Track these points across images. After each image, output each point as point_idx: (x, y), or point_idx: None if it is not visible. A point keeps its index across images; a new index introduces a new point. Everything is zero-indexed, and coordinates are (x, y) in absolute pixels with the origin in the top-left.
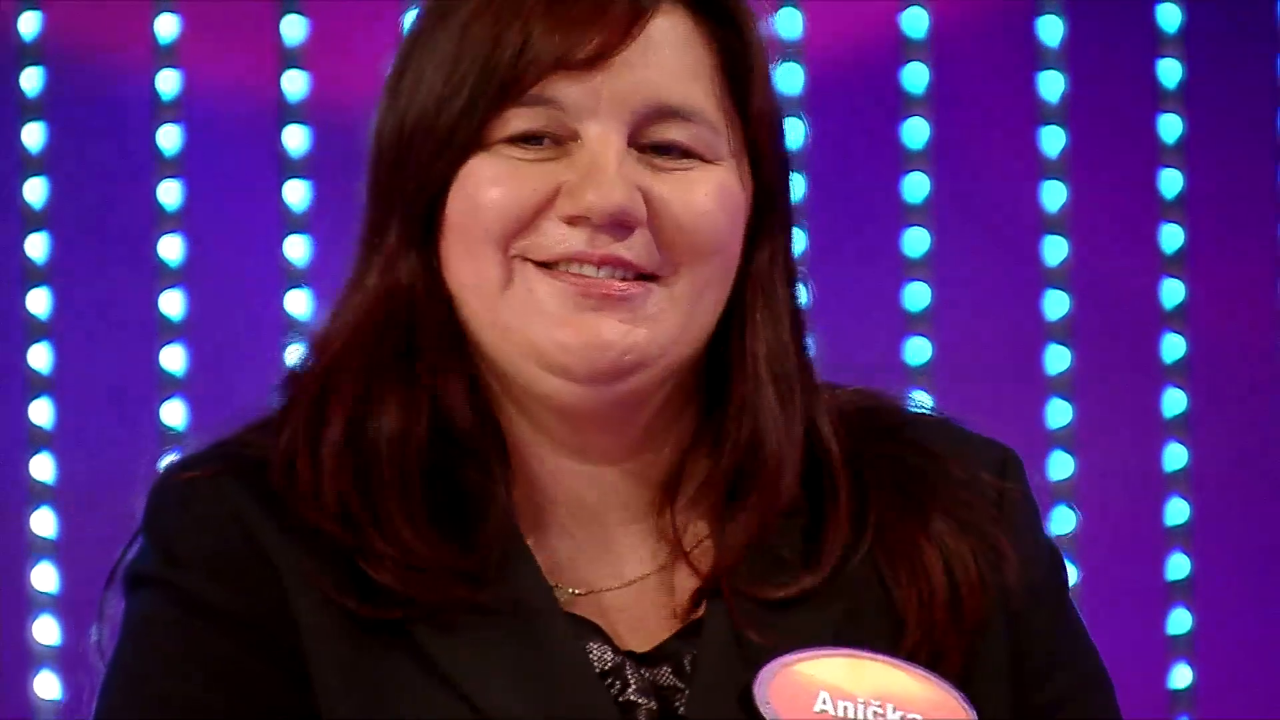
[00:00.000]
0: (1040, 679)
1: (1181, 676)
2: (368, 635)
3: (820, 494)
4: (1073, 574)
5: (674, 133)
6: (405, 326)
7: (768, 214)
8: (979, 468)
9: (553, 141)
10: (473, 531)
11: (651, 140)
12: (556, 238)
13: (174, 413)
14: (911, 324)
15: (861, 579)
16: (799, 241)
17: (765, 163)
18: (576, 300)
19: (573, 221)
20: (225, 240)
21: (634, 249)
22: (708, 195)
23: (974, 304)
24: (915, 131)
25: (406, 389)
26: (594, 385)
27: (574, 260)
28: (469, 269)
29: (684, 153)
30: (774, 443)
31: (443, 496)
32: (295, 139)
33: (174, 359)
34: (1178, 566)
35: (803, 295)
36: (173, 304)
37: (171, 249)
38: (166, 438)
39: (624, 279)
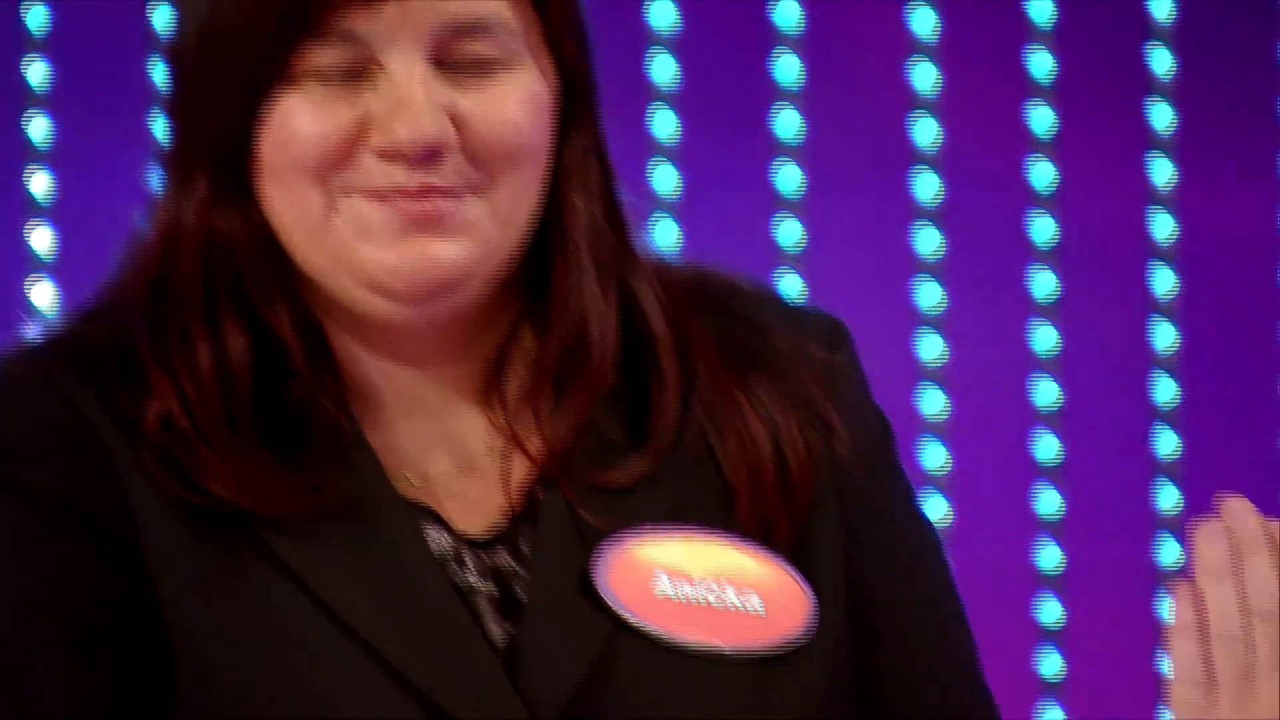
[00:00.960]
0: (872, 549)
1: (1051, 664)
2: (208, 526)
3: (646, 373)
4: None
5: (475, 46)
6: (226, 264)
7: (576, 102)
8: (806, 340)
9: (357, 73)
10: (305, 445)
11: (454, 58)
12: (375, 173)
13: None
14: None
15: (692, 456)
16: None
17: (567, 51)
18: (401, 225)
19: (386, 155)
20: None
21: (449, 176)
22: (516, 104)
23: (847, 295)
24: (787, 123)
25: (231, 315)
26: (423, 305)
27: (394, 194)
28: (290, 207)
29: (487, 62)
30: (597, 328)
31: (274, 415)
32: None
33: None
34: (1049, 556)
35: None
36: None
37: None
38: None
39: (447, 198)
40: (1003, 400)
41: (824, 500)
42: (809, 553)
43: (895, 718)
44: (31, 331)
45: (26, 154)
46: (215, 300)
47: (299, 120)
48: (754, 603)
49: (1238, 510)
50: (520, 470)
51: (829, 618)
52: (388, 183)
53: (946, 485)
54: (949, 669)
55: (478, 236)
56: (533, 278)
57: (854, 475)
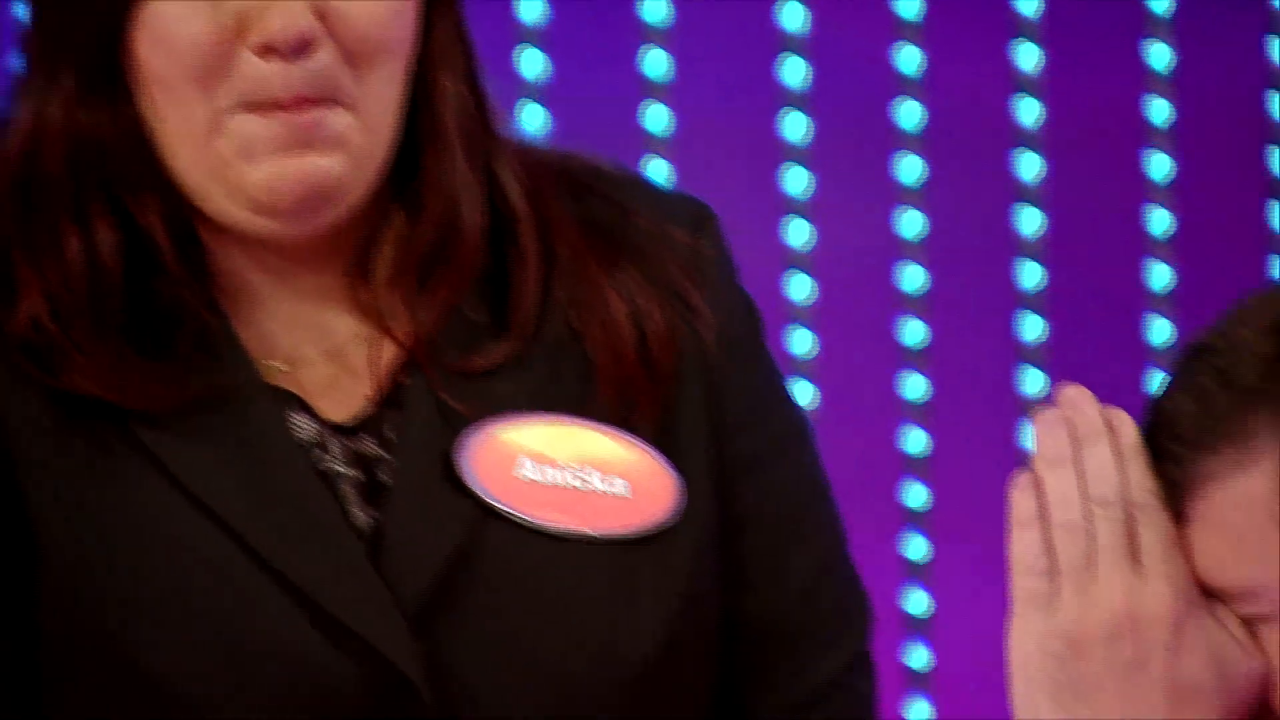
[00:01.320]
0: (738, 433)
1: (916, 547)
2: (77, 422)
3: (508, 255)
4: None
5: None
6: (95, 161)
7: None
8: (671, 224)
9: None
10: (173, 339)
11: None
12: (253, 78)
13: None
14: None
15: (555, 339)
16: None
17: None
18: (282, 140)
19: (263, 52)
20: None
21: (320, 80)
22: None
23: (714, 181)
24: (656, 118)
25: (101, 211)
26: (304, 221)
27: (274, 106)
28: (173, 116)
29: None
30: (468, 208)
31: (143, 310)
32: None
33: None
34: (915, 440)
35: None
36: None
37: None
38: None
39: (319, 108)
40: (869, 285)
41: (688, 384)
42: (674, 436)
43: (762, 601)
44: None
45: None
46: (84, 196)
47: (175, 22)
48: (619, 487)
49: (1077, 399)
50: (387, 356)
51: (695, 501)
52: (266, 93)
53: (813, 370)
54: (815, 553)
55: (351, 150)
56: (402, 163)
57: (719, 359)
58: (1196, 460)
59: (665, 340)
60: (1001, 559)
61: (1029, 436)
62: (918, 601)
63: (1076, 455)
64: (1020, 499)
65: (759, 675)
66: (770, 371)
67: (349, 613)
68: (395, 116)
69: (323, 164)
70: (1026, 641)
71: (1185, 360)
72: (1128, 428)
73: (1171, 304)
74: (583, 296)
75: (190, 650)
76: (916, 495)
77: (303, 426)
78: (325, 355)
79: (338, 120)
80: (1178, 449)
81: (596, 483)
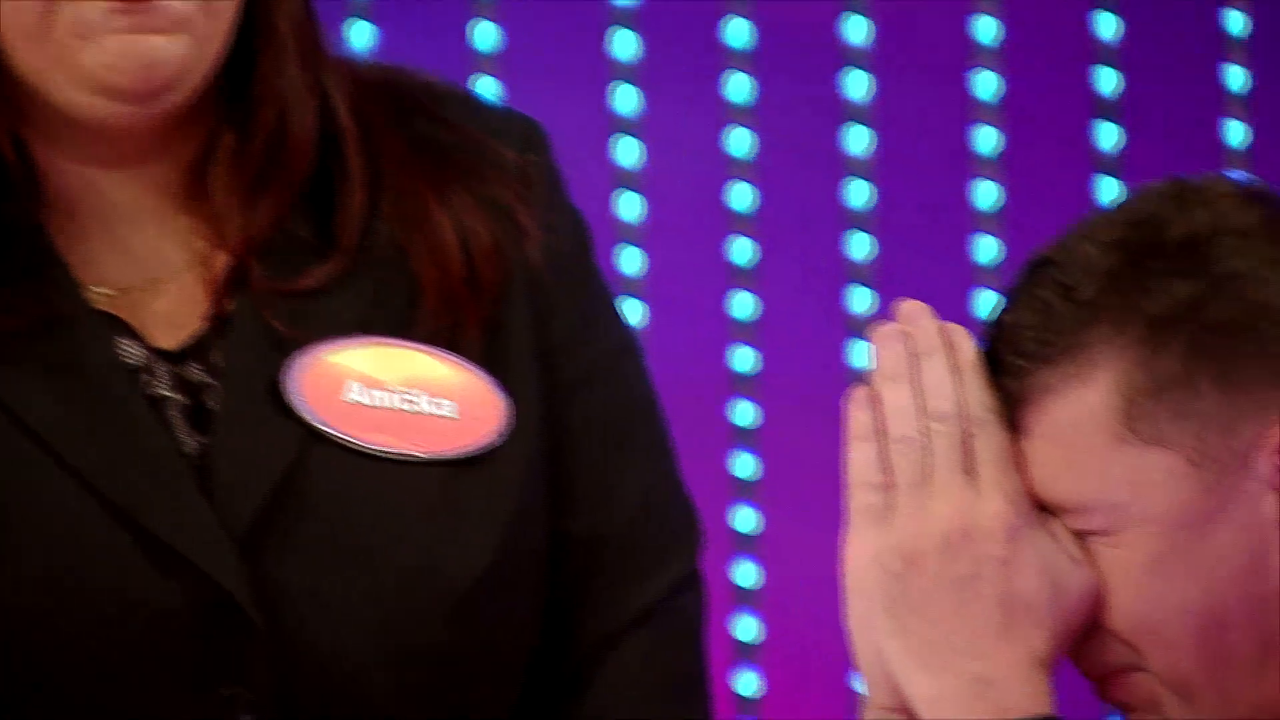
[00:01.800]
0: (567, 352)
1: (744, 466)
2: None
3: (333, 173)
4: None
5: None
6: None
7: None
8: (500, 141)
9: None
10: (2, 264)
11: None
12: None
13: None
14: None
15: (381, 259)
16: None
17: None
18: (122, 23)
19: None
20: None
21: None
22: None
23: (545, 99)
24: (485, 36)
25: None
26: (145, 103)
27: None
28: (4, 8)
29: None
30: (298, 117)
31: None
32: None
33: None
34: (743, 359)
35: None
36: None
37: None
38: None
39: None
40: (699, 204)
41: (516, 303)
42: (502, 356)
43: (591, 521)
44: None
45: None
46: None
47: None
48: (447, 408)
49: (914, 314)
50: (217, 279)
51: (523, 421)
52: None
53: (643, 289)
54: (645, 472)
55: (194, 32)
56: (233, 80)
57: (547, 278)
58: (1035, 373)
59: (492, 259)
60: (832, 477)
61: (858, 354)
62: (746, 520)
63: (914, 370)
64: (857, 414)
65: (588, 595)
66: (599, 290)
67: (175, 536)
68: (235, 6)
69: (165, 45)
70: (861, 556)
71: (1027, 273)
72: (965, 342)
73: (999, 222)
74: (409, 215)
75: (16, 576)
76: (745, 414)
77: (130, 352)
78: (153, 280)
79: (179, 4)
80: (1017, 362)
81: (424, 405)
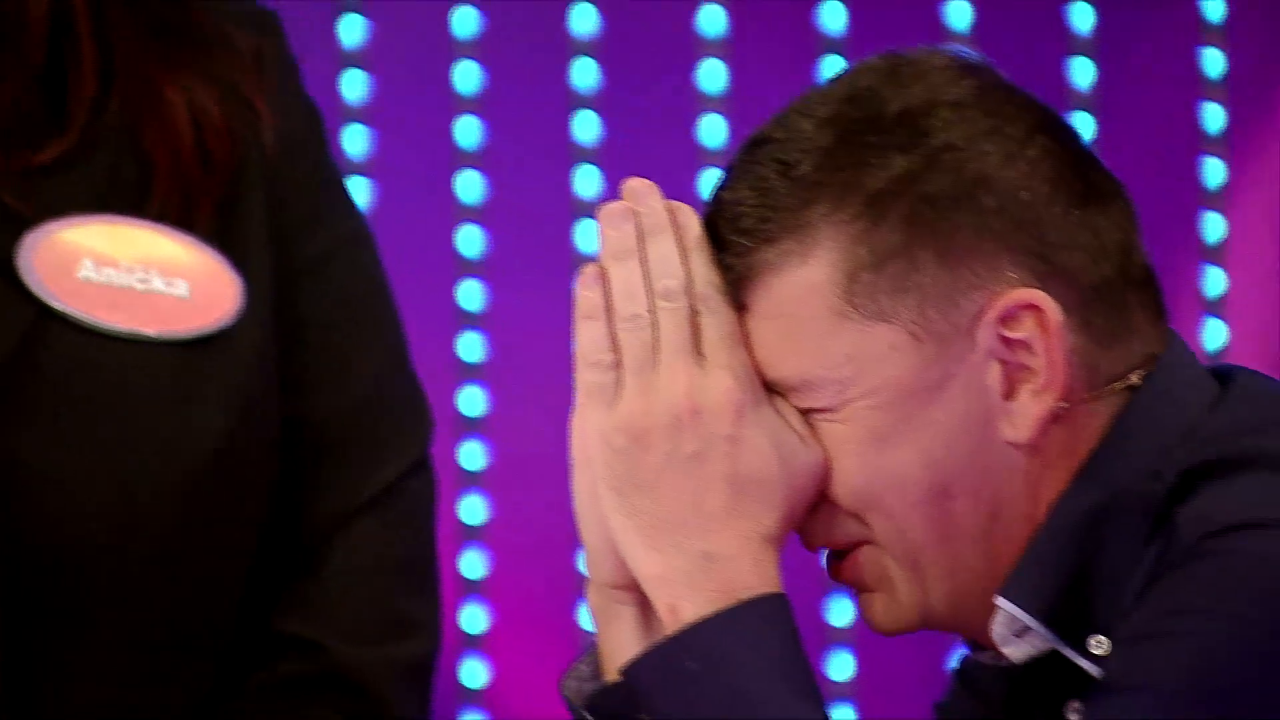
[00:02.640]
0: (299, 235)
1: (470, 348)
2: None
3: (65, 51)
4: None
5: None
6: None
7: None
8: (234, 25)
9: None
10: None
11: None
12: None
13: None
14: None
15: (116, 138)
16: None
17: None
18: None
19: None
20: None
21: None
22: None
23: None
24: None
25: None
26: None
27: None
28: None
29: None
30: (31, 2)
31: None
32: None
33: None
34: (470, 241)
35: None
36: None
37: None
38: None
39: None
40: (425, 85)
41: (249, 185)
42: (235, 238)
43: (323, 404)
44: None
45: None
46: None
47: None
48: (180, 288)
49: (641, 192)
50: None
51: (256, 303)
52: None
53: (371, 169)
54: (376, 356)
55: None
56: None
57: (280, 162)
58: (757, 251)
59: (224, 139)
60: (560, 357)
61: (584, 236)
62: (473, 402)
63: (641, 248)
64: (584, 292)
65: (319, 478)
66: (332, 175)
67: None
68: None
69: None
70: (589, 435)
71: (746, 151)
72: (691, 220)
73: (726, 104)
74: (142, 94)
75: None
76: (472, 296)
77: None
78: None
79: None
80: (738, 240)
81: (158, 284)
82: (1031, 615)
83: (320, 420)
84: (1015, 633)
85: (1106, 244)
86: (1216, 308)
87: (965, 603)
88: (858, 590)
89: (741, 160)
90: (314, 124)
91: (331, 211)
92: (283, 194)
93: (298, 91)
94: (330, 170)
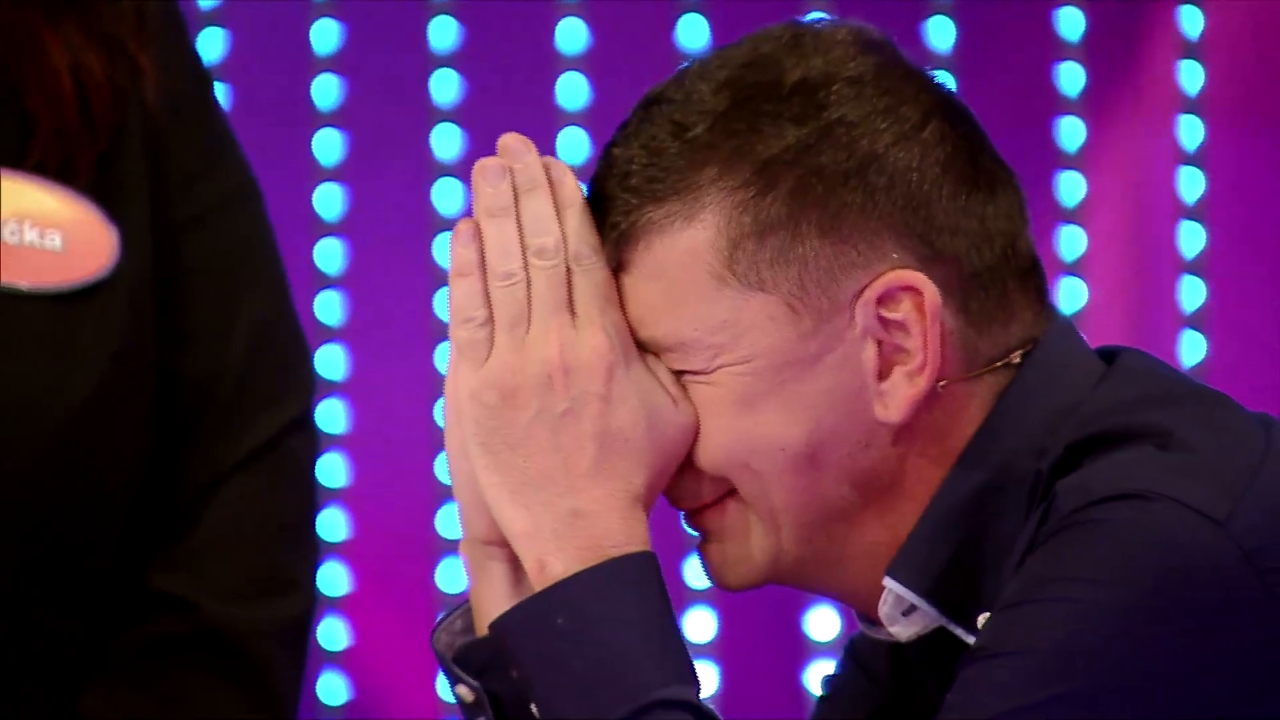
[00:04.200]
0: (182, 191)
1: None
2: None
3: None
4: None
5: None
6: None
7: None
8: None
9: None
10: None
11: None
12: None
13: None
14: None
15: None
16: None
17: None
18: None
19: None
20: None
21: None
22: None
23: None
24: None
25: None
26: None
27: None
28: None
29: None
30: None
31: None
32: None
33: None
34: (330, 203)
35: None
36: None
37: None
38: None
39: None
40: (284, 46)
41: (131, 139)
42: (115, 192)
43: (204, 359)
44: None
45: None
46: None
47: None
48: (54, 241)
49: (516, 148)
50: None
51: (133, 257)
52: None
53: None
54: (258, 311)
55: None
56: None
57: (163, 117)
58: (642, 210)
59: (106, 94)
60: (421, 322)
61: (442, 198)
62: (332, 363)
63: (516, 206)
64: (459, 249)
65: (197, 434)
66: (217, 130)
67: None
68: None
69: None
70: (461, 391)
71: (641, 109)
72: (567, 179)
73: (587, 64)
74: (22, 48)
75: None
76: (331, 257)
77: None
78: None
79: None
80: (626, 197)
81: (30, 236)
82: (918, 594)
83: (199, 374)
84: (903, 612)
85: (992, 231)
86: (1075, 268)
87: (832, 572)
88: (708, 539)
89: (636, 118)
90: (199, 79)
91: (215, 167)
92: (166, 150)
93: (183, 47)
94: (216, 125)
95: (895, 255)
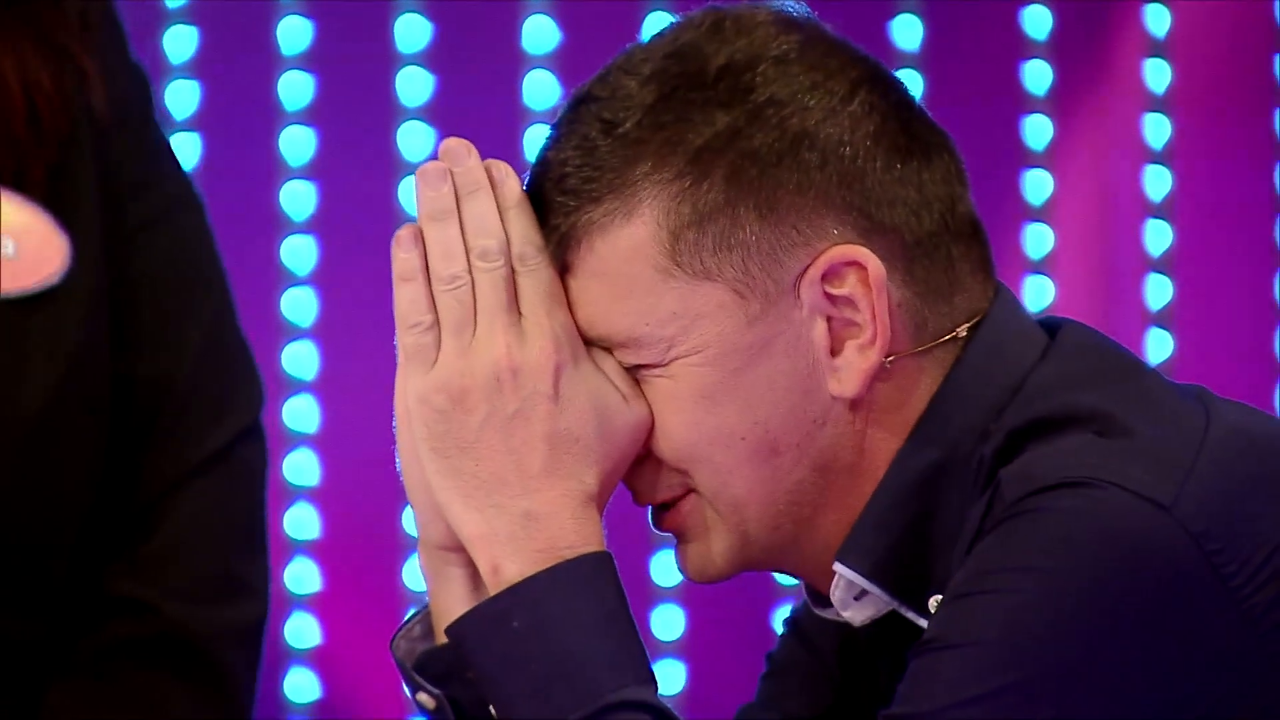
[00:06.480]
0: (130, 197)
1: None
2: None
3: None
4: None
5: None
6: None
7: None
8: None
9: None
10: None
11: None
12: None
13: None
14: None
15: None
16: None
17: None
18: None
19: None
20: None
21: None
22: None
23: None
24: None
25: None
26: None
27: None
28: None
29: None
30: None
31: None
32: None
33: None
34: (301, 203)
35: None
36: None
37: None
38: None
39: None
40: (251, 42)
41: (80, 148)
42: (66, 198)
43: (154, 365)
44: None
45: None
46: None
47: None
48: (7, 247)
49: (457, 151)
50: None
51: (85, 264)
52: None
53: (197, 125)
54: (206, 316)
55: None
56: None
57: (110, 125)
58: (582, 210)
59: (55, 104)
60: (389, 318)
61: (409, 194)
62: (301, 361)
63: (459, 209)
64: (401, 254)
65: (152, 440)
66: (160, 138)
67: None
68: None
69: None
70: (410, 396)
71: (570, 109)
72: (510, 180)
73: (555, 62)
74: None
75: None
76: (299, 255)
77: None
78: None
79: None
80: (564, 200)
81: None
82: (868, 579)
83: (151, 380)
84: (855, 596)
85: (930, 198)
86: (1042, 266)
87: (796, 554)
88: (678, 540)
89: (565, 119)
90: (141, 86)
91: (162, 173)
92: (114, 157)
93: (125, 52)
94: (158, 131)
95: (835, 231)
